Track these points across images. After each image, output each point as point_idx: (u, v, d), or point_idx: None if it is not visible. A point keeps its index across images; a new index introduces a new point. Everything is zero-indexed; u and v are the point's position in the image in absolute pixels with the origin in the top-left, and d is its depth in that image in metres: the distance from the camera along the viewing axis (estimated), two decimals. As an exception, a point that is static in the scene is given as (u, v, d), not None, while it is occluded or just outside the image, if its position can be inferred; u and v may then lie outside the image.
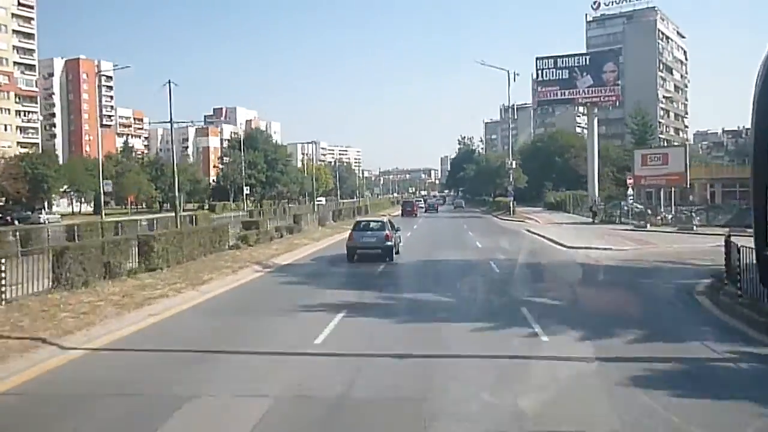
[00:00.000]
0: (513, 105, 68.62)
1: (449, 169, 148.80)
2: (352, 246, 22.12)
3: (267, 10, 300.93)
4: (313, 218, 42.09)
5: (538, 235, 32.88)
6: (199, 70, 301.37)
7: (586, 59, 57.73)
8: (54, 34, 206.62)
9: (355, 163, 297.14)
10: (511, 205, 56.08)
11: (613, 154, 67.48)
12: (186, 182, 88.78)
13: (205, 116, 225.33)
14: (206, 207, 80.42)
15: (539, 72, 58.71)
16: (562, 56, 58.09)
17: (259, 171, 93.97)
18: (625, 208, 43.04)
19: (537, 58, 58.55)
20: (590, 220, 44.71)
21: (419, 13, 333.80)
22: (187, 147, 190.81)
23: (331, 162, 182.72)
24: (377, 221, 25.18)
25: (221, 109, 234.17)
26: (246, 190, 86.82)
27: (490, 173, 74.99)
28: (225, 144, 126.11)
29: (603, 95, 56.47)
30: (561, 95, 58.02)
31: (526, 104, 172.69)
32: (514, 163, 58.32)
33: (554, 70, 57.54)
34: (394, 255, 22.15)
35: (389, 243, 21.93)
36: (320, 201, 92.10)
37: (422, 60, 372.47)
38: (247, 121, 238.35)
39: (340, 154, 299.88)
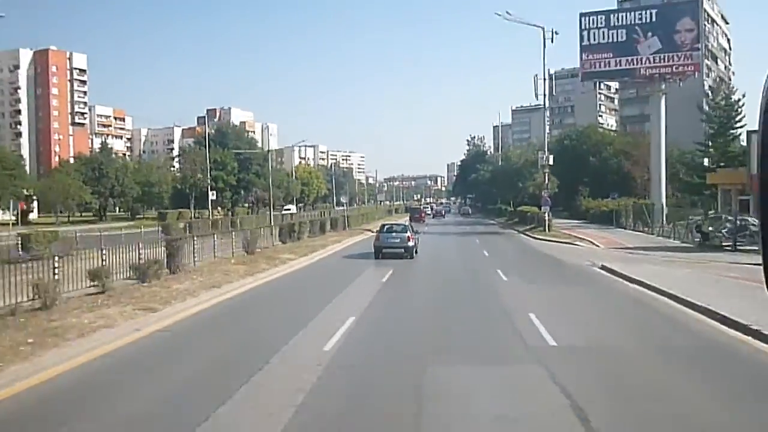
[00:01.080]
0: (549, 73, 48.23)
1: (457, 173, 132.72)
2: (379, 245, 25.75)
3: (267, 7, 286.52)
4: (246, 240, 25.55)
5: (645, 285, 16.01)
6: (194, 69, 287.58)
7: (651, 14, 41.03)
8: (30, 25, 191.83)
9: (359, 168, 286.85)
10: (547, 218, 39.61)
11: (675, 151, 50.89)
12: (135, 186, 73.18)
13: (197, 118, 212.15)
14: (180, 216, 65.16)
15: (584, 34, 42.34)
16: (618, 10, 41.75)
17: (228, 173, 77.98)
18: (731, 225, 26.54)
19: (581, 15, 42.29)
20: (675, 241, 28.78)
21: (426, 12, 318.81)
22: (172, 149, 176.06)
23: (327, 166, 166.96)
24: (400, 225, 29.53)
25: (214, 110, 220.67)
26: (211, 195, 70.65)
27: (510, 175, 58.51)
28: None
29: (677, 64, 40.01)
30: (615, 65, 41.65)
31: (537, 106, 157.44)
32: (551, 158, 41.71)
33: (606, 30, 41.24)
34: (414, 254, 25.42)
35: (410, 243, 25.51)
36: (288, 209, 74.27)
37: (429, 64, 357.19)
38: (240, 122, 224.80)
39: (342, 159, 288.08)
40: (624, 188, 53.76)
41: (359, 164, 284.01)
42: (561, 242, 32.39)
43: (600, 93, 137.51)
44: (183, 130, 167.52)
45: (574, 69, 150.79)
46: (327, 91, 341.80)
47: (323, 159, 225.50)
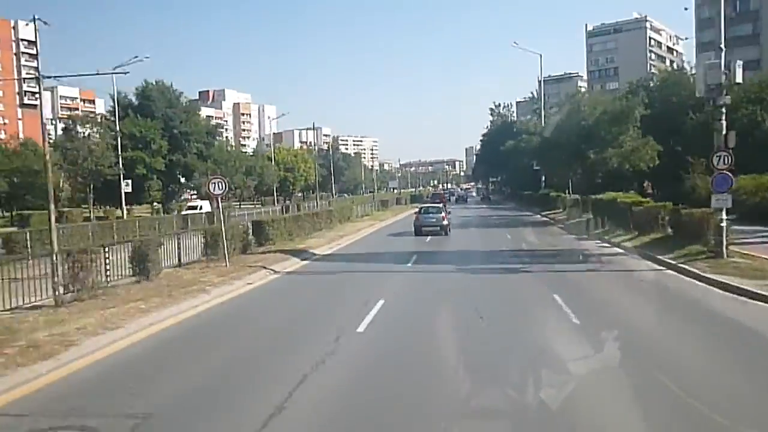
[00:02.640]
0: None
1: (478, 152, 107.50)
2: (419, 224, 28.85)
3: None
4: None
5: None
6: (191, 50, 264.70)
7: None
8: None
9: (372, 154, 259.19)
10: (723, 225, 15.31)
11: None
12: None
13: (189, 100, 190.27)
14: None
15: None
16: None
17: (154, 154, 54.50)
18: None
19: None
20: None
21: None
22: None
23: (323, 149, 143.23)
24: (436, 207, 32.57)
25: (207, 92, 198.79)
26: (125, 186, 47.18)
27: (574, 143, 33.21)
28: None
29: None
30: None
31: (569, 74, 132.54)
32: (727, 96, 16.32)
33: None
34: (449, 231, 28.70)
35: (445, 222, 28.78)
36: (195, 207, 47.02)
37: (446, 46, 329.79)
38: (234, 104, 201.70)
39: (354, 144, 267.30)
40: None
41: (373, 149, 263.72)
42: None
43: (652, 41, 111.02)
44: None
45: (617, 23, 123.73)
46: (336, 74, 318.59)
47: (327, 143, 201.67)
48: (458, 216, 39.95)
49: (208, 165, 59.69)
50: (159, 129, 55.21)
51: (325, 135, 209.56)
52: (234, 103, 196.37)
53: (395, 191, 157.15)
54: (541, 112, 56.95)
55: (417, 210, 32.43)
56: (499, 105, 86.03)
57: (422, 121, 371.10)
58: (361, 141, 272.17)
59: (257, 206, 70.22)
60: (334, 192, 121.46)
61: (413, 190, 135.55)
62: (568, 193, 40.35)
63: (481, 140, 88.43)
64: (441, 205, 35.11)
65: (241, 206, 71.01)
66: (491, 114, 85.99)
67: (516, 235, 26.67)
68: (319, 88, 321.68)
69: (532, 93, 68.49)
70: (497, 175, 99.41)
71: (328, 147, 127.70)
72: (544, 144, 36.16)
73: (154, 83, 58.30)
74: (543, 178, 50.50)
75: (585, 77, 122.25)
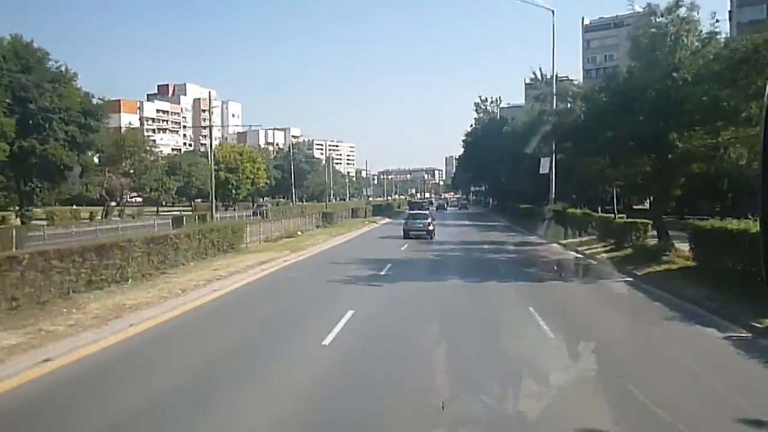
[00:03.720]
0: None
1: (459, 157, 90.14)
2: (407, 229, 31.96)
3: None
4: None
5: None
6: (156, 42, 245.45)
7: None
8: None
9: (348, 160, 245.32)
10: None
11: None
12: None
13: (147, 95, 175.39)
14: None
15: None
16: None
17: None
18: None
19: None
20: None
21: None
22: None
23: (282, 148, 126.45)
24: (423, 213, 36.41)
25: (167, 86, 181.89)
26: None
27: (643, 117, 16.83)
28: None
29: None
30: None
31: (560, 78, 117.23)
32: None
33: None
34: (433, 236, 31.40)
35: (431, 228, 31.91)
36: None
37: (424, 45, 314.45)
38: (194, 99, 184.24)
39: (330, 149, 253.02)
40: None
41: (349, 155, 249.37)
42: None
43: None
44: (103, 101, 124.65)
45: (617, 17, 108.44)
46: (315, 78, 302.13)
47: (295, 145, 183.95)
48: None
49: (87, 158, 42.34)
50: (2, 101, 37.82)
51: (295, 137, 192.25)
52: (194, 99, 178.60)
53: (369, 198, 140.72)
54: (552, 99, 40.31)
55: (405, 216, 37.02)
56: (486, 99, 70.49)
57: (402, 128, 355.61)
58: (337, 146, 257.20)
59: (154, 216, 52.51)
60: (294, 198, 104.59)
61: (381, 199, 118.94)
62: (614, 211, 24.16)
63: (463, 141, 71.73)
64: (427, 212, 40.07)
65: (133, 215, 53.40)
66: (476, 110, 70.23)
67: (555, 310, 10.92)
68: (296, 91, 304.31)
69: (534, 73, 52.00)
70: (481, 183, 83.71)
71: (290, 147, 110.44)
72: (585, 125, 19.03)
73: (8, 37, 40.96)
74: (553, 187, 34.28)
75: (579, 80, 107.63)
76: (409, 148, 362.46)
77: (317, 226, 38.34)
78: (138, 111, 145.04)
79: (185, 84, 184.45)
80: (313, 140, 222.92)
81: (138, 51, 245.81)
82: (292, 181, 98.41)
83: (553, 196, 34.80)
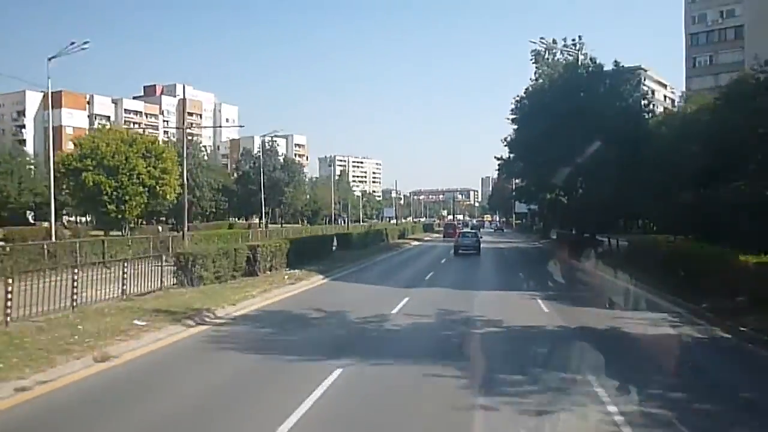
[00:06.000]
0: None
1: (502, 159, 54.86)
2: (457, 245, 37.28)
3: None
4: None
5: None
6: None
7: None
8: None
9: (374, 177, 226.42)
10: None
11: None
12: None
13: (133, 96, 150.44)
14: None
15: None
16: None
17: None
18: None
19: None
20: None
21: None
22: (22, 126, 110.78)
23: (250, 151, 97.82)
24: (471, 231, 44.97)
25: (153, 86, 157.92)
26: None
27: None
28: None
29: None
30: None
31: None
32: None
33: None
34: (480, 251, 37.23)
35: (478, 244, 37.92)
36: None
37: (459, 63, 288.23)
38: (179, 100, 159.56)
39: (354, 165, 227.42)
40: None
41: (375, 172, 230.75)
42: None
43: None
44: (44, 95, 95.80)
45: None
46: (338, 91, 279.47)
47: (301, 156, 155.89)
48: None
49: None
50: None
51: (298, 144, 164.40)
52: (179, 99, 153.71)
53: (391, 221, 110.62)
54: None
55: (458, 235, 42.79)
56: (555, 42, 39.34)
57: (435, 147, 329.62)
58: (362, 162, 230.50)
59: None
60: (264, 219, 75.60)
61: (374, 221, 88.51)
62: None
63: (514, 112, 37.78)
64: (476, 231, 49.69)
65: None
66: (535, 64, 39.60)
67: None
68: (316, 103, 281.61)
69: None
70: (532, 200, 53.42)
71: (262, 143, 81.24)
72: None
73: None
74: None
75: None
76: (442, 169, 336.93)
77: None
78: (87, 107, 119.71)
79: (175, 85, 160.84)
80: (337, 156, 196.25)
81: (154, 55, 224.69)
82: (262, 195, 69.68)
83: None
